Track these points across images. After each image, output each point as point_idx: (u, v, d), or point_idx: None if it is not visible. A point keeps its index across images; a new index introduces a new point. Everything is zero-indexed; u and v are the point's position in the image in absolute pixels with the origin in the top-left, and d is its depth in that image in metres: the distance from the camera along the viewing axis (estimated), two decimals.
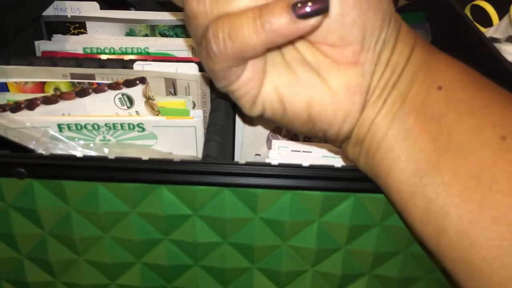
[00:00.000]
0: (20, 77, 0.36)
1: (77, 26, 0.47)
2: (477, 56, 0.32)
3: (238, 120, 0.40)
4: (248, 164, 0.26)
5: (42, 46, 0.45)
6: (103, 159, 0.26)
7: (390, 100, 0.23)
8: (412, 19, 0.42)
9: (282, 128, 0.38)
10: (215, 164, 0.26)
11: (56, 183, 0.26)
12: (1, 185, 0.26)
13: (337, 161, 0.33)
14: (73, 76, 0.37)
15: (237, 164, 0.26)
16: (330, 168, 0.26)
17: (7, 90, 0.36)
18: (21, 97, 0.35)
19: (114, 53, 0.44)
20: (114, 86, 0.34)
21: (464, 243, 0.21)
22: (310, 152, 0.36)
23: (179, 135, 0.35)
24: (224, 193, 0.26)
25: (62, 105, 0.34)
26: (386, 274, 0.29)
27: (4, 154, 0.26)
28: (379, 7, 0.21)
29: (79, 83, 0.36)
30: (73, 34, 0.47)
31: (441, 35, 0.38)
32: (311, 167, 0.26)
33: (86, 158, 0.26)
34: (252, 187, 0.26)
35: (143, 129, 0.34)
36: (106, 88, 0.34)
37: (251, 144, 0.38)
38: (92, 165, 0.26)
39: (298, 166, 0.26)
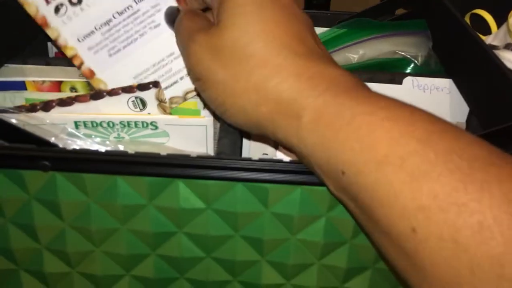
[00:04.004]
0: (38, 76, 0.37)
1: None
2: (477, 63, 0.34)
3: None
4: (260, 160, 0.27)
5: (54, 47, 0.47)
6: (123, 154, 0.27)
7: None
8: (413, 26, 0.44)
9: None
10: (230, 160, 0.27)
11: (78, 176, 0.27)
12: (25, 177, 0.27)
13: None
14: None
15: (250, 160, 0.27)
16: None
17: (25, 89, 0.37)
18: (38, 95, 0.37)
19: None
20: (128, 89, 0.36)
21: None
22: None
23: (190, 133, 0.36)
24: (237, 187, 0.28)
25: (76, 107, 0.36)
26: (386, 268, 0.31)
27: (30, 147, 0.27)
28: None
29: None
30: None
31: (442, 42, 0.40)
32: None
33: (107, 153, 0.27)
34: (264, 182, 0.28)
35: (156, 127, 0.36)
36: (120, 91, 0.36)
37: (258, 144, 0.39)
38: (113, 159, 0.27)
39: None
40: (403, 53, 0.44)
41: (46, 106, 0.35)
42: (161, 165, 0.27)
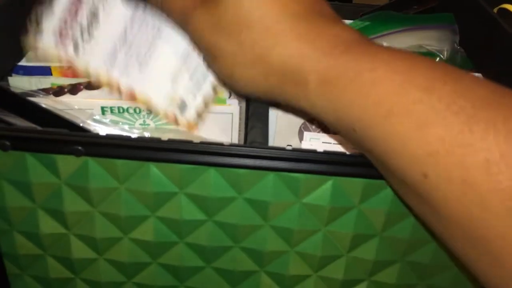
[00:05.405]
0: None
1: None
2: (510, 58, 0.33)
3: (270, 111, 0.42)
4: (293, 150, 0.27)
5: None
6: (157, 140, 0.27)
7: None
8: (440, 20, 0.43)
9: (314, 120, 0.39)
10: (263, 149, 0.27)
11: (110, 162, 0.27)
12: (57, 162, 0.27)
13: None
14: None
15: (283, 149, 0.27)
16: None
17: (51, 74, 0.37)
18: (64, 80, 0.36)
19: None
20: None
21: None
22: (341, 144, 0.38)
23: (216, 121, 0.36)
24: (269, 177, 0.28)
25: (104, 90, 0.36)
26: (418, 260, 0.31)
27: (64, 132, 0.27)
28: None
29: None
30: None
31: (471, 37, 0.40)
32: (353, 155, 0.27)
33: (141, 139, 0.27)
34: (296, 172, 0.27)
35: None
36: None
37: (283, 135, 0.39)
38: (147, 146, 0.27)
39: (342, 154, 0.27)
40: (428, 47, 0.44)
41: (74, 89, 0.35)
42: (195, 153, 0.27)
